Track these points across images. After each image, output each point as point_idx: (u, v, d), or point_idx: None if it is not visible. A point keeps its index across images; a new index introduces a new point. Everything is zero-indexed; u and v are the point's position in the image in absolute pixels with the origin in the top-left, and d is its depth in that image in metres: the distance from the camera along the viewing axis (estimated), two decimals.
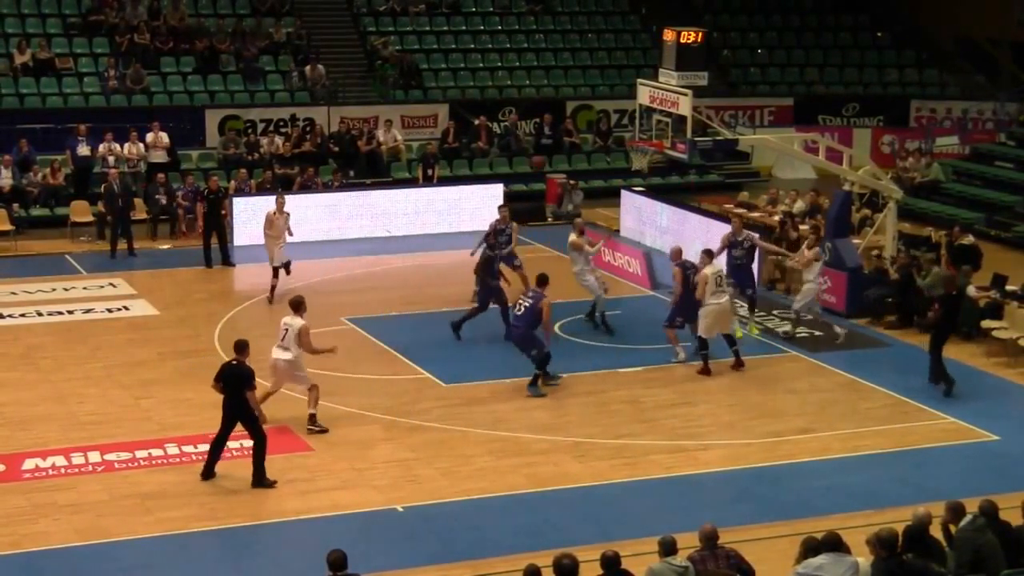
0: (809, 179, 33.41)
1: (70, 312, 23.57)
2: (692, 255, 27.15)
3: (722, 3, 41.33)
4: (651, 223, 28.91)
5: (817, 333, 22.92)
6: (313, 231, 28.45)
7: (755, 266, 23.61)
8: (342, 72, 35.44)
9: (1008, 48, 39.72)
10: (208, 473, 16.36)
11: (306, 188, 29.82)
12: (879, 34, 41.16)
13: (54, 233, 28.87)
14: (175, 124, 31.84)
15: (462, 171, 33.15)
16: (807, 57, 40.30)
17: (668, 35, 24.21)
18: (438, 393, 19.66)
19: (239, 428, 17.95)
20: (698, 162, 33.15)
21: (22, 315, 23.30)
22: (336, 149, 32.44)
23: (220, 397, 19.06)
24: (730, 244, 22.80)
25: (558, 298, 23.52)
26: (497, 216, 24.34)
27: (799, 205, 28.69)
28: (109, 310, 23.64)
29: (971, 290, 22.10)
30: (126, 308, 23.59)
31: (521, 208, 31.29)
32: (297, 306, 18.13)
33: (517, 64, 37.54)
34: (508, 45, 38.01)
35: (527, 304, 19.38)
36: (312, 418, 18.02)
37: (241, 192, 28.76)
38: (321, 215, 28.90)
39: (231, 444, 17.45)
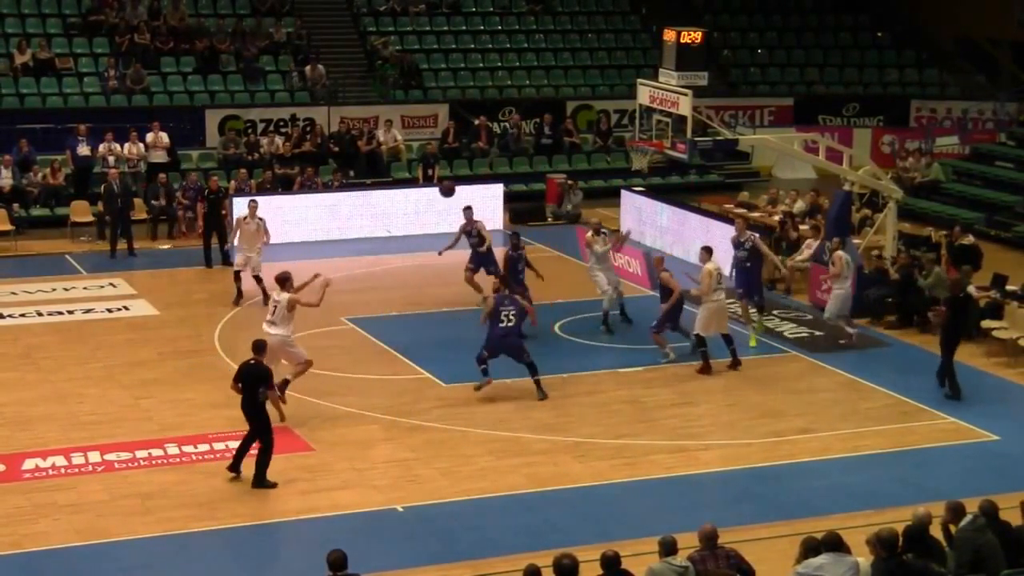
0: (809, 179, 33.41)
1: (70, 312, 23.57)
2: (692, 255, 27.27)
3: (722, 3, 41.33)
4: (651, 223, 28.91)
5: (818, 333, 22.92)
6: (313, 231, 28.46)
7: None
8: (342, 72, 35.45)
9: (1008, 48, 39.72)
10: (235, 467, 16.39)
11: (306, 188, 29.81)
12: (879, 34, 41.16)
13: (54, 233, 28.87)
14: (175, 124, 31.84)
15: (462, 171, 33.14)
16: (807, 57, 40.29)
17: (668, 35, 24.22)
18: (438, 393, 19.66)
19: (226, 430, 18.00)
20: (698, 162, 33.16)
21: (22, 315, 23.31)
22: (336, 149, 32.44)
23: (220, 397, 19.18)
24: (733, 245, 22.71)
25: (558, 298, 23.60)
26: (463, 219, 24.06)
27: (799, 205, 28.70)
28: (109, 310, 23.64)
29: (971, 290, 22.07)
30: (126, 308, 23.59)
31: (521, 208, 31.43)
32: (284, 282, 18.48)
33: (517, 64, 37.54)
34: (508, 45, 38.00)
35: (513, 312, 19.27)
36: (285, 384, 18.17)
37: (241, 192, 28.73)
38: (321, 215, 28.91)
39: (231, 444, 17.47)
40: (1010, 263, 26.17)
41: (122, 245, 27.31)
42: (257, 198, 28.50)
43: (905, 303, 23.17)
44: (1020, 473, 16.95)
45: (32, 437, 17.72)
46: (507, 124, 35.00)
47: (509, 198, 31.13)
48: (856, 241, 25.13)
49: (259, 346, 16.61)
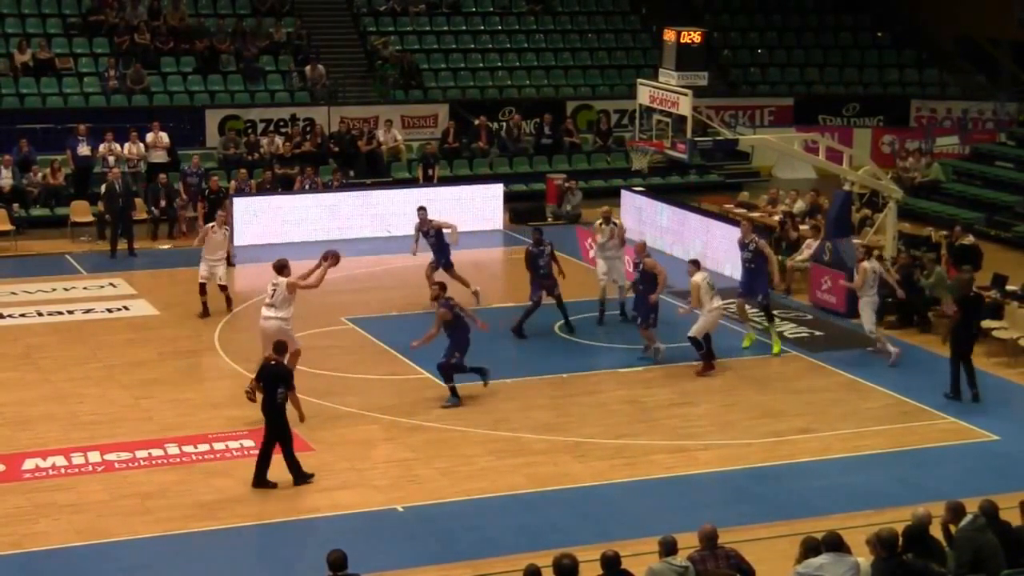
0: (809, 179, 33.41)
1: (70, 312, 23.57)
2: (692, 255, 27.22)
3: (722, 3, 41.33)
4: (651, 223, 28.90)
5: (818, 333, 22.92)
6: (313, 231, 28.46)
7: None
8: (342, 72, 35.45)
9: (1008, 48, 39.72)
10: (299, 478, 16.27)
11: (307, 188, 29.81)
12: (879, 34, 41.16)
13: (54, 233, 28.87)
14: (175, 124, 31.84)
15: (462, 171, 33.15)
16: (807, 57, 40.29)
17: (668, 35, 24.21)
18: (438, 393, 19.64)
19: (226, 430, 18.01)
20: (698, 162, 33.18)
21: (22, 315, 23.30)
22: (336, 149, 32.44)
23: (220, 397, 19.20)
24: (739, 246, 22.55)
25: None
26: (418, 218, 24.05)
27: (799, 205, 28.70)
28: (109, 310, 23.64)
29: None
30: (126, 308, 23.58)
31: (521, 208, 31.43)
32: (281, 269, 18.61)
33: (517, 64, 37.54)
34: (508, 45, 38.01)
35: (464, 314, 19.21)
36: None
37: (241, 192, 28.78)
38: (321, 215, 28.91)
39: (231, 444, 17.50)
40: (1010, 263, 26.17)
41: (122, 245, 27.31)
42: (259, 197, 28.71)
43: (905, 303, 23.15)
44: (1020, 473, 16.96)
45: (32, 437, 17.72)
46: (506, 123, 34.97)
47: (509, 198, 31.14)
48: (856, 241, 25.11)
49: (280, 347, 16.61)
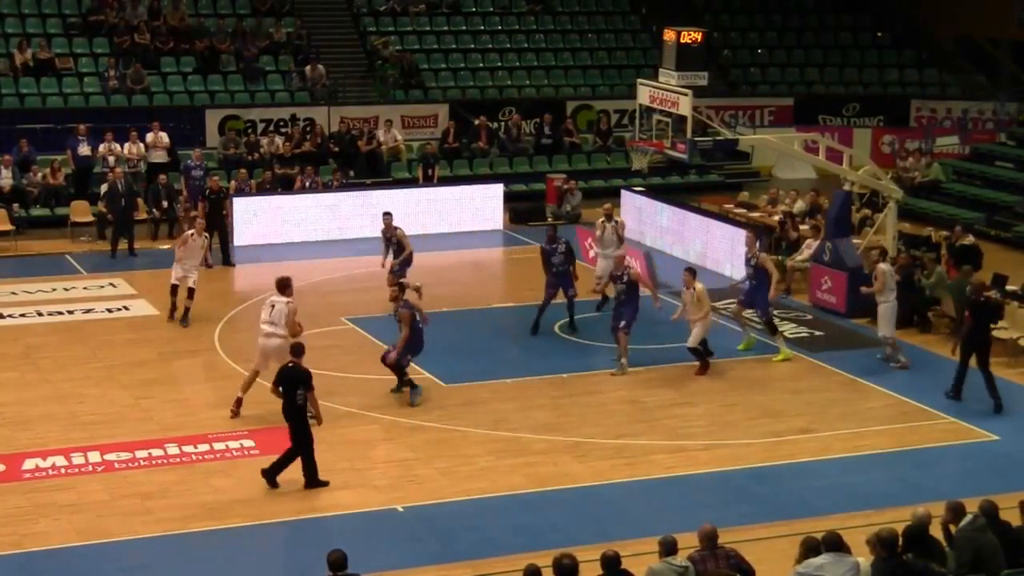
0: (809, 179, 33.40)
1: (70, 312, 23.57)
2: (692, 255, 27.32)
3: (722, 3, 41.34)
4: (651, 223, 28.91)
5: (818, 333, 22.93)
6: (313, 231, 28.46)
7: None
8: (342, 72, 35.45)
9: (1008, 48, 39.72)
10: (312, 483, 16.21)
11: (307, 188, 29.81)
12: (879, 34, 41.16)
13: (54, 233, 28.87)
14: (175, 124, 31.83)
15: (462, 171, 33.15)
16: (807, 57, 40.29)
17: (668, 35, 24.20)
18: (438, 393, 19.65)
19: (226, 430, 18.01)
20: (698, 162, 33.18)
21: (22, 315, 23.30)
22: (336, 149, 32.44)
23: (220, 397, 19.20)
24: (744, 261, 22.21)
25: (558, 298, 23.43)
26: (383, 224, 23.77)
27: (799, 205, 28.69)
28: (109, 310, 23.63)
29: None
30: (126, 308, 23.58)
31: (521, 208, 31.44)
32: (284, 287, 18.41)
33: (517, 64, 37.54)
34: (508, 45, 38.01)
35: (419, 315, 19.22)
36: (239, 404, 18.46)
37: (241, 192, 28.78)
38: (321, 215, 28.91)
39: (231, 444, 17.51)
40: (1010, 263, 26.17)
41: (122, 245, 27.31)
42: (259, 197, 28.70)
43: (905, 303, 23.12)
44: (1020, 473, 16.96)
45: (32, 437, 17.72)
46: (506, 123, 34.98)
47: (509, 198, 31.14)
48: (856, 241, 25.12)
49: (297, 349, 16.58)
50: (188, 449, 17.37)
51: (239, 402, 18.45)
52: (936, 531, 12.27)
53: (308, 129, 32.95)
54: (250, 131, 32.74)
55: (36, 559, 14.43)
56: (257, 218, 28.35)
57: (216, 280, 25.83)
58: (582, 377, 20.45)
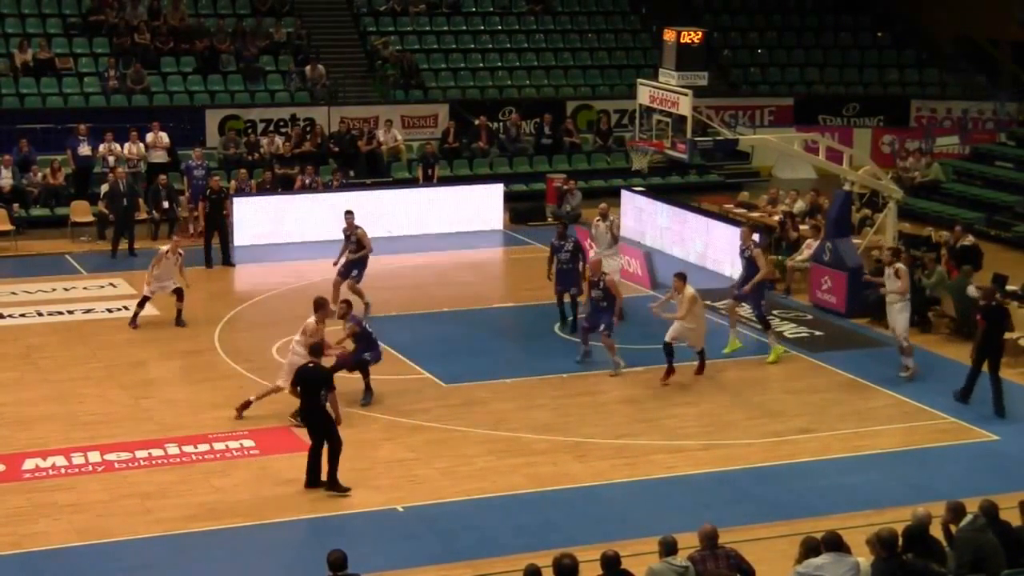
0: (809, 179, 33.39)
1: (70, 312, 23.57)
2: (692, 255, 27.33)
3: (722, 3, 41.33)
4: (651, 223, 28.90)
5: (817, 333, 22.92)
6: (314, 231, 28.45)
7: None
8: (342, 72, 35.44)
9: (1008, 48, 39.72)
10: (314, 482, 16.15)
11: (307, 188, 29.81)
12: (879, 34, 41.15)
13: (54, 233, 28.86)
14: (175, 124, 31.82)
15: (462, 171, 33.15)
16: (807, 57, 40.30)
17: (668, 35, 24.21)
18: (438, 393, 19.65)
19: (226, 430, 18.00)
20: (698, 162, 33.18)
21: (22, 315, 23.30)
22: (336, 149, 32.44)
23: (220, 397, 19.20)
24: (739, 252, 22.14)
25: (548, 299, 23.43)
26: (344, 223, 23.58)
27: (799, 205, 28.69)
28: (109, 310, 23.64)
29: (971, 290, 22.06)
30: (126, 308, 23.55)
31: (521, 208, 31.44)
32: (319, 307, 18.29)
33: (517, 64, 37.54)
34: (508, 45, 38.00)
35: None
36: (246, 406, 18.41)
37: (241, 192, 28.78)
38: (322, 215, 28.88)
39: (231, 444, 17.51)
40: (1010, 263, 26.17)
41: (122, 245, 27.31)
42: (259, 197, 28.69)
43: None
44: (1020, 473, 16.96)
45: (32, 437, 17.72)
46: (505, 123, 34.98)
47: (509, 198, 31.14)
48: (856, 241, 25.13)
49: (315, 349, 16.54)
50: (188, 449, 17.37)
51: (247, 405, 18.38)
52: (936, 531, 12.27)
53: (308, 129, 32.95)
54: (250, 131, 32.73)
55: (36, 559, 14.43)
56: (257, 218, 28.35)
57: (216, 280, 25.88)
58: (582, 377, 20.45)
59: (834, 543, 11.42)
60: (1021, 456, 17.74)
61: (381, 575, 13.81)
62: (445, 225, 29.73)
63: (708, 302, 22.85)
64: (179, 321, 22.65)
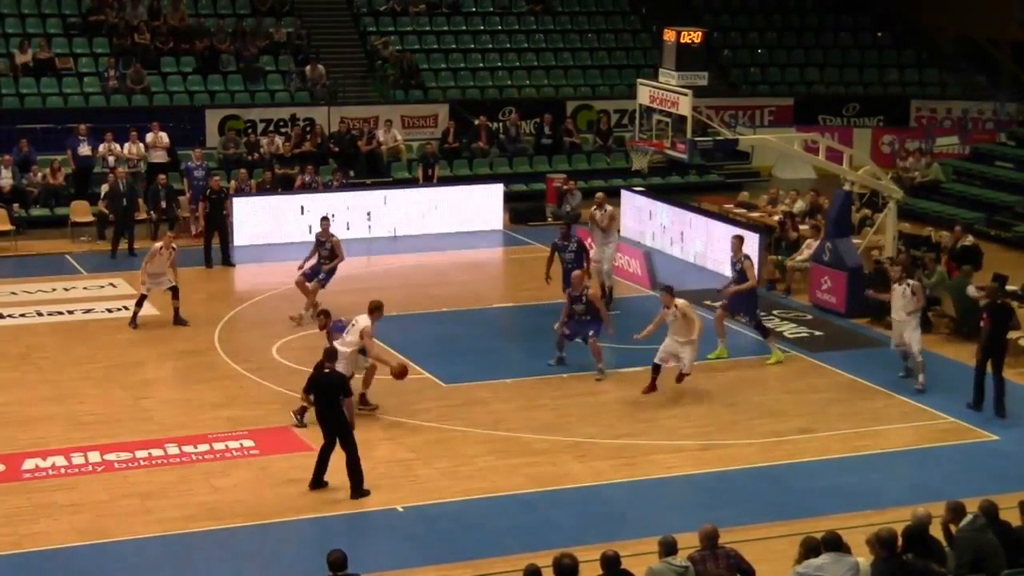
0: (809, 179, 33.40)
1: (70, 312, 23.57)
2: (692, 255, 27.33)
3: (722, 3, 41.33)
4: (651, 223, 28.90)
5: (817, 333, 22.92)
6: (314, 231, 28.39)
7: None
8: (342, 72, 35.44)
9: (1008, 48, 39.72)
10: (317, 483, 16.15)
11: (307, 188, 29.81)
12: (879, 34, 41.16)
13: (54, 233, 28.87)
14: (175, 124, 31.83)
15: (462, 171, 33.15)
16: (807, 57, 40.30)
17: (668, 35, 24.21)
18: (438, 393, 19.65)
19: (226, 430, 18.01)
20: (698, 162, 33.18)
21: (22, 315, 23.30)
22: (336, 149, 32.44)
23: (220, 397, 19.20)
24: (731, 264, 22.05)
25: (557, 298, 23.43)
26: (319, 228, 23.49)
27: (799, 205, 28.69)
28: (109, 310, 23.64)
29: (971, 290, 22.06)
30: (126, 308, 23.54)
31: (521, 208, 31.44)
32: (373, 310, 18.33)
33: (517, 64, 37.54)
34: (508, 45, 38.00)
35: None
36: (362, 397, 18.47)
37: (241, 192, 28.78)
38: (322, 215, 28.82)
39: (231, 444, 17.50)
40: (1010, 263, 26.17)
41: (122, 245, 27.31)
42: (259, 197, 28.69)
43: None
44: (1020, 473, 16.95)
45: (32, 437, 17.72)
46: (504, 123, 34.98)
47: (509, 198, 31.14)
48: (856, 241, 25.12)
49: (331, 354, 16.53)
50: (188, 449, 17.36)
51: (363, 400, 18.49)
52: (936, 531, 12.27)
53: (308, 129, 32.95)
54: (250, 131, 32.73)
55: (36, 559, 14.43)
56: (257, 218, 28.34)
57: (216, 280, 25.89)
58: (582, 377, 20.44)
59: (834, 543, 11.42)
60: (1021, 456, 17.74)
61: (381, 575, 13.81)
62: (445, 225, 29.73)
63: (708, 301, 22.90)
64: (178, 319, 22.66)
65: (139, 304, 22.59)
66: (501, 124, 35.10)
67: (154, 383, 20.11)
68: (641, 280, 25.66)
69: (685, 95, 23.33)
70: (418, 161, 32.47)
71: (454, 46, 37.32)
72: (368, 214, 29.32)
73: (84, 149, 29.95)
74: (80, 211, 29.03)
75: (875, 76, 39.77)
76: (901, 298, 19.96)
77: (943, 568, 11.72)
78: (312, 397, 16.27)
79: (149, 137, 30.52)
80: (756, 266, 22.36)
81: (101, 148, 29.96)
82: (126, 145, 30.20)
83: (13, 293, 24.58)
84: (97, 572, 14.34)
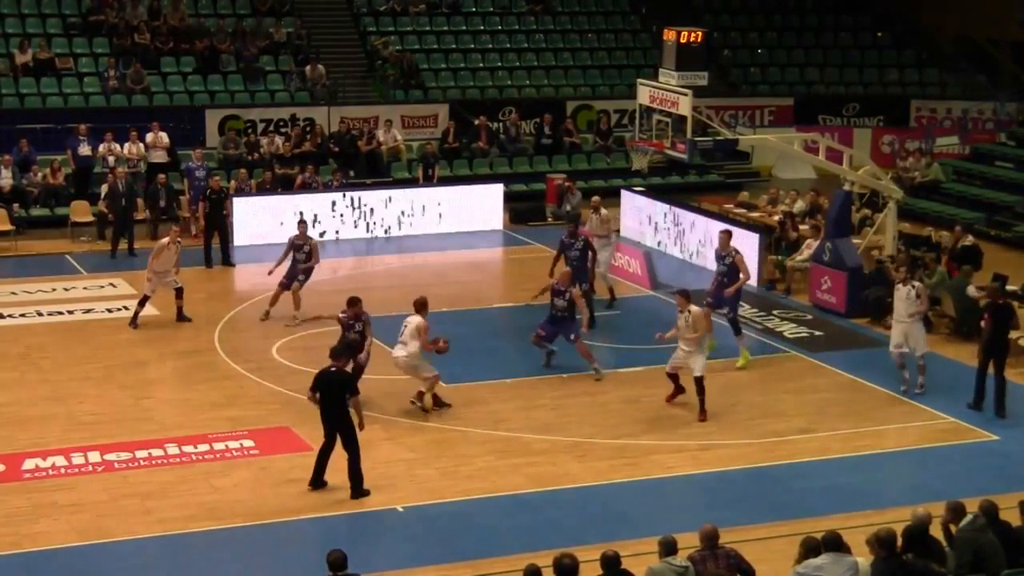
0: (809, 179, 33.41)
1: (70, 312, 23.57)
2: (691, 255, 27.32)
3: (722, 3, 41.33)
4: (651, 223, 28.90)
5: (817, 333, 22.92)
6: (314, 231, 28.42)
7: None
8: (342, 72, 35.44)
9: (1008, 48, 39.72)
10: (317, 482, 16.15)
11: (307, 188, 29.81)
12: (879, 34, 41.16)
13: (54, 233, 28.86)
14: (175, 124, 31.82)
15: (462, 171, 33.15)
16: (807, 57, 40.30)
17: (668, 35, 24.21)
18: (439, 393, 19.62)
19: (226, 430, 18.01)
20: (698, 162, 33.18)
21: (22, 315, 23.30)
22: (336, 149, 32.44)
23: (220, 397, 19.20)
24: (716, 257, 21.86)
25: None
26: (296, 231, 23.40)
27: (799, 205, 28.69)
28: (109, 310, 23.64)
29: (971, 290, 22.07)
30: (126, 308, 23.55)
31: (521, 208, 31.44)
32: (420, 307, 18.59)
33: (517, 64, 37.54)
34: (508, 45, 38.00)
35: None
36: (419, 395, 18.70)
37: (241, 192, 28.77)
38: (322, 215, 28.88)
39: (231, 444, 17.50)
40: (1010, 263, 26.17)
41: (122, 245, 27.31)
42: (259, 197, 28.70)
43: None
44: (1020, 473, 16.96)
45: (32, 437, 17.72)
46: (504, 123, 34.99)
47: (509, 198, 31.14)
48: (856, 241, 25.12)
49: (337, 352, 16.51)
50: (188, 449, 17.36)
51: (421, 396, 18.72)
52: (936, 531, 12.27)
53: (308, 129, 32.95)
54: (250, 131, 32.73)
55: (36, 559, 14.43)
56: (257, 218, 28.33)
57: (216, 280, 25.89)
58: (582, 377, 20.44)
59: (834, 543, 11.42)
60: (1021, 456, 17.74)
61: (381, 575, 13.81)
62: (445, 225, 29.74)
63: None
64: (181, 317, 22.67)
65: (141, 304, 22.61)
66: (501, 124, 35.12)
67: (154, 383, 20.11)
68: (641, 280, 25.66)
69: (685, 95, 23.33)
70: (418, 161, 32.47)
71: (454, 46, 37.32)
72: (368, 214, 29.33)
73: (84, 149, 29.95)
74: (80, 211, 29.03)
75: (875, 76, 39.78)
76: (904, 299, 19.93)
77: (943, 568, 11.72)
78: (318, 395, 16.25)
79: (149, 137, 30.52)
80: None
81: (101, 148, 29.96)
82: (126, 145, 30.19)
83: (13, 293, 24.58)
84: (97, 572, 14.35)
